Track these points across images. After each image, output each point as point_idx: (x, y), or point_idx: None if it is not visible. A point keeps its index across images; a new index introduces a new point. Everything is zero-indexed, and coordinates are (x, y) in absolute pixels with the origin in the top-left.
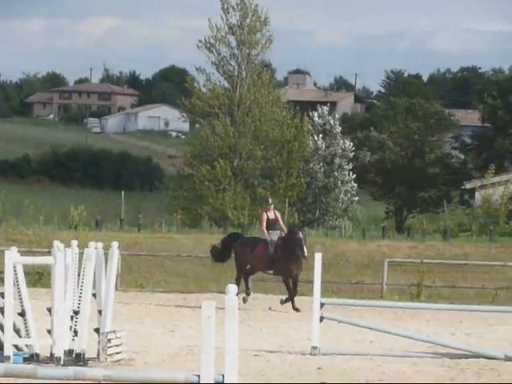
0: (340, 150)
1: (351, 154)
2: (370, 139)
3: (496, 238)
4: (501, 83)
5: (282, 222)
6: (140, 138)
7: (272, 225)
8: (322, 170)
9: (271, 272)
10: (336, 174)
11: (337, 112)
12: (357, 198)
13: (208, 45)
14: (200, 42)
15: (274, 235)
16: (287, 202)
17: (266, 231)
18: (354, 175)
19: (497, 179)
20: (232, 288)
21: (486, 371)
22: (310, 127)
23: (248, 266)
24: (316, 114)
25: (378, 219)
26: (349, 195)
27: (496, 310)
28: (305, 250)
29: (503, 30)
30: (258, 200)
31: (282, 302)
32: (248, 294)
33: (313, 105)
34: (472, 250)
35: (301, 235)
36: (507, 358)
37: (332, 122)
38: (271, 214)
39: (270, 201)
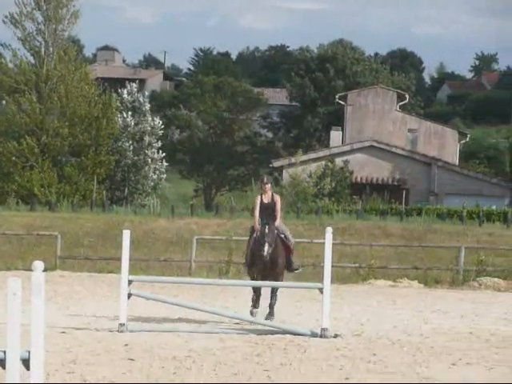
0: (149, 128)
1: (160, 132)
2: (179, 117)
3: (303, 215)
4: (308, 62)
5: (279, 208)
6: None
7: (266, 211)
8: (131, 147)
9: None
10: (146, 151)
11: (146, 89)
12: (165, 176)
13: (13, 20)
14: (6, 17)
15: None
16: (96, 180)
17: (256, 219)
18: (164, 154)
19: (304, 158)
20: (38, 265)
21: (292, 347)
22: (119, 104)
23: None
24: (125, 91)
25: (186, 197)
26: (158, 173)
27: (302, 286)
28: (265, 248)
29: (311, 8)
30: (66, 178)
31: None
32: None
33: (122, 82)
34: None
35: (266, 230)
36: (313, 334)
37: (141, 99)
38: (267, 198)
39: (266, 179)
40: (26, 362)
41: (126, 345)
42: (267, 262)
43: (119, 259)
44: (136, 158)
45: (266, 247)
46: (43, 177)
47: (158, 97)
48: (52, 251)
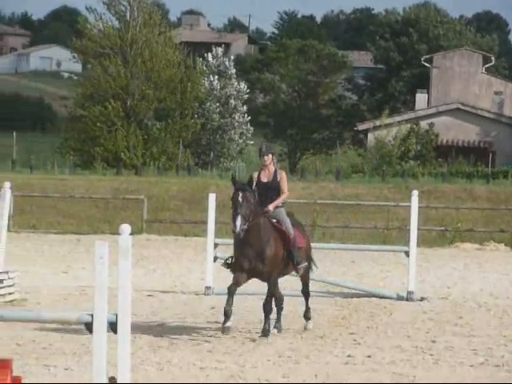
0: (234, 92)
1: (245, 96)
2: (263, 81)
3: (388, 178)
4: (393, 25)
5: (285, 189)
6: (32, 79)
7: (266, 194)
8: (218, 110)
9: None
10: (232, 115)
11: (230, 53)
12: (252, 142)
13: None
14: None
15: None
16: (182, 143)
17: None
18: (249, 117)
19: (389, 121)
20: (125, 228)
21: (379, 310)
22: (205, 68)
23: None
24: (210, 55)
25: None
26: (244, 137)
27: (387, 249)
28: (237, 222)
29: None
30: (152, 141)
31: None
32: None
33: (207, 46)
34: (364, 191)
35: (239, 198)
36: (399, 297)
37: (227, 63)
38: (267, 175)
39: (264, 148)
40: (113, 326)
41: (213, 308)
42: (249, 253)
43: (205, 223)
44: (222, 121)
45: (239, 221)
46: (129, 140)
47: (242, 61)
48: (138, 215)
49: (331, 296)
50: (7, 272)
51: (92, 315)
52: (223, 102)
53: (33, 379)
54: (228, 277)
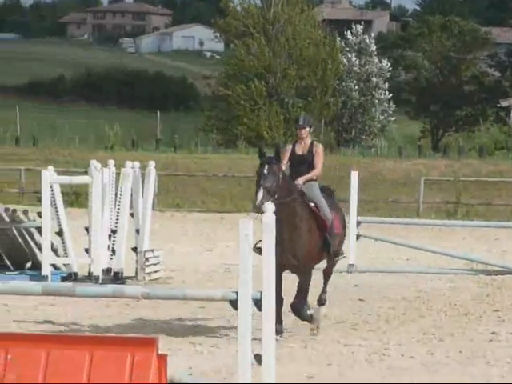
0: (376, 69)
1: (387, 74)
2: (405, 58)
3: None
4: None
5: (319, 164)
6: (174, 58)
7: (299, 168)
8: (357, 88)
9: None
10: (373, 93)
11: (372, 31)
12: (394, 119)
13: None
14: None
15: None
16: (323, 121)
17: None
18: (391, 95)
19: None
20: (268, 206)
21: None
22: (344, 45)
23: None
24: (351, 33)
25: (413, 138)
26: (385, 114)
27: None
28: (258, 194)
29: None
30: (293, 120)
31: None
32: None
33: (348, 23)
34: (508, 168)
35: (265, 171)
36: None
37: (367, 40)
38: (302, 148)
39: (302, 120)
40: (257, 303)
41: (356, 285)
42: (282, 245)
43: (347, 200)
44: (363, 98)
45: (261, 193)
46: (271, 119)
47: (384, 38)
48: None
49: (475, 273)
50: (153, 250)
51: (237, 292)
52: (364, 80)
53: (179, 357)
54: (372, 254)
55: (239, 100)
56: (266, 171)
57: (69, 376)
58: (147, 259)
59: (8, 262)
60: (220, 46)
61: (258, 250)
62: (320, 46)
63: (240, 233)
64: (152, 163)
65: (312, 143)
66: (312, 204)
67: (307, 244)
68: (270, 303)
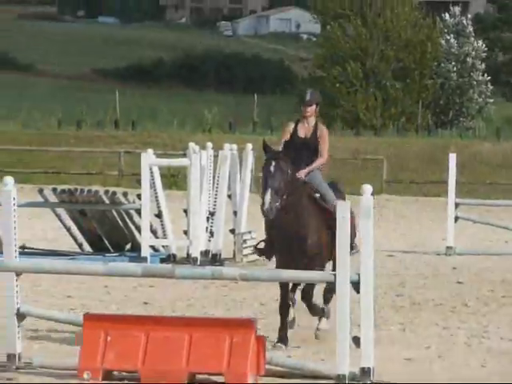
0: (472, 51)
1: (484, 55)
2: (503, 40)
3: None
4: None
5: (325, 149)
6: (271, 41)
7: (301, 152)
8: (454, 69)
9: None
10: (471, 74)
11: (469, 12)
12: (492, 100)
13: None
14: None
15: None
16: (421, 103)
17: None
18: (489, 76)
19: None
20: (367, 188)
21: None
22: (442, 27)
23: None
24: (448, 15)
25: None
26: (483, 96)
27: None
28: (266, 197)
29: None
30: (391, 101)
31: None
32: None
33: (445, 5)
34: None
35: (272, 168)
36: None
37: (464, 22)
38: (304, 129)
39: (309, 95)
40: (355, 285)
41: (454, 268)
42: (287, 239)
43: (445, 183)
44: (460, 80)
45: (268, 196)
46: (368, 101)
47: (481, 19)
48: (378, 175)
49: None
50: (250, 232)
51: (335, 274)
52: (461, 61)
53: (276, 338)
54: (470, 237)
55: (335, 82)
56: (272, 169)
57: (168, 358)
58: (245, 241)
59: (108, 244)
60: (316, 28)
61: (259, 251)
62: (418, 28)
63: (337, 215)
64: (249, 146)
65: (316, 125)
66: (317, 195)
67: (313, 232)
68: (368, 286)
